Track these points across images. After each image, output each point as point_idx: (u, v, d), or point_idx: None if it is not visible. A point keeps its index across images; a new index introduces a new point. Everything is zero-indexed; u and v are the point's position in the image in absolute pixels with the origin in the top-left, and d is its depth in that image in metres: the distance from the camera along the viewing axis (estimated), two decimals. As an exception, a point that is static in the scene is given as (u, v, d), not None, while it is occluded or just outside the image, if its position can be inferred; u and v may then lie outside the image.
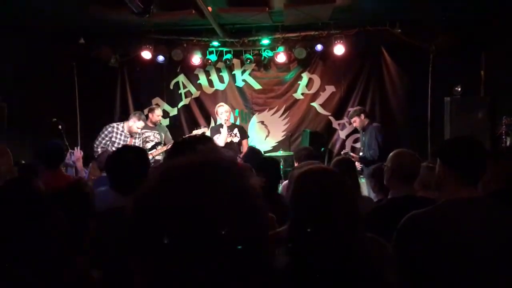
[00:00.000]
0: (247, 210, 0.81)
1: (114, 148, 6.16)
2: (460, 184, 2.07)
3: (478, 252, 1.93)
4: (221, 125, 6.60)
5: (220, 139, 6.44)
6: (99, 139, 6.21)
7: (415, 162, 2.91)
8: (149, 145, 6.63)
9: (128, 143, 6.31)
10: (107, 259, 2.07)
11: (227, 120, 6.54)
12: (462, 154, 2.11)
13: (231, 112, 6.88)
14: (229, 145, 6.48)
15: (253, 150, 5.01)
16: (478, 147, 2.14)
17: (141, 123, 6.29)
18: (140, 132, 6.40)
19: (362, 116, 6.41)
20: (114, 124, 6.33)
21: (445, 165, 2.14)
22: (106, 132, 6.22)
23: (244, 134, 6.74)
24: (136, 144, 6.40)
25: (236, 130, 6.66)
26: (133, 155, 2.46)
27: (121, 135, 6.27)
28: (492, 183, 2.61)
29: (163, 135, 6.93)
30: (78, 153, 4.99)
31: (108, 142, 6.18)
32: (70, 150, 5.17)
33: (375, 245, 1.61)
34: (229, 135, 6.50)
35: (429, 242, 1.97)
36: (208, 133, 6.73)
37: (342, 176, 1.56)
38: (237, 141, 6.60)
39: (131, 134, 6.32)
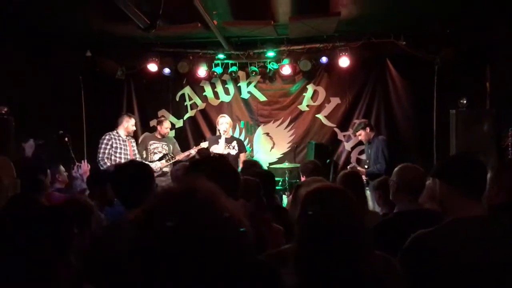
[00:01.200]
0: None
1: (118, 154, 6.23)
2: (464, 201, 2.06)
3: (486, 270, 1.91)
4: (219, 136, 6.62)
5: (218, 150, 6.47)
6: (101, 150, 6.25)
7: (420, 176, 2.91)
8: (156, 157, 6.66)
9: (127, 146, 6.38)
10: (105, 273, 2.08)
11: (225, 131, 6.57)
12: (462, 171, 2.11)
13: (232, 126, 6.91)
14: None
15: (249, 163, 4.96)
16: (476, 162, 2.14)
17: (133, 120, 6.45)
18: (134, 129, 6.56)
19: (368, 129, 6.44)
20: (109, 133, 6.39)
21: (445, 184, 2.14)
22: (105, 141, 6.28)
23: (242, 148, 6.75)
24: (133, 146, 6.52)
25: (234, 143, 6.68)
26: (137, 169, 2.48)
27: (119, 139, 6.36)
28: (497, 196, 2.60)
29: (171, 146, 6.96)
30: (85, 166, 5.00)
31: (110, 151, 6.24)
32: (77, 163, 5.19)
33: (383, 263, 1.61)
34: (226, 147, 6.52)
35: (436, 262, 1.95)
36: (204, 144, 6.78)
37: (348, 194, 1.56)
38: (234, 153, 6.60)
39: (128, 135, 6.40)
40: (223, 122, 6.64)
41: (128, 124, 6.40)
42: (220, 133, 6.68)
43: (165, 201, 0.96)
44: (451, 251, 1.97)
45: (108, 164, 6.14)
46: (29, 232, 1.89)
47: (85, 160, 5.36)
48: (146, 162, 5.76)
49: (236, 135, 7.76)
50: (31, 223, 1.98)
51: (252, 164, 4.77)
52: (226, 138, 6.61)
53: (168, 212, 0.92)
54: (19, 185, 2.79)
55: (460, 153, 2.52)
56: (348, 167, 7.27)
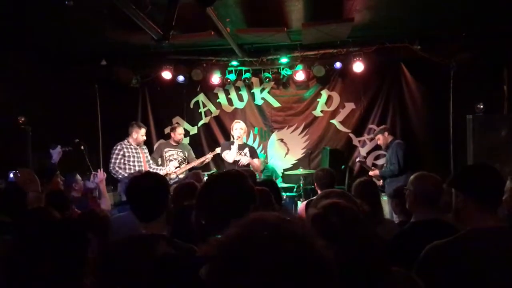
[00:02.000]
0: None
1: (131, 163, 6.25)
2: (479, 213, 2.05)
3: (502, 281, 1.89)
4: (232, 142, 6.61)
5: (229, 156, 6.44)
6: (112, 160, 6.25)
7: (437, 186, 2.86)
8: (173, 164, 6.68)
9: (140, 154, 6.40)
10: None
11: (239, 137, 6.55)
12: (479, 183, 2.09)
13: (246, 132, 6.86)
14: (237, 162, 6.46)
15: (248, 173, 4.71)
16: (493, 173, 2.12)
17: (143, 130, 6.44)
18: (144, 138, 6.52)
19: (386, 133, 6.57)
20: (120, 142, 6.39)
21: (463, 194, 2.12)
22: (116, 151, 6.28)
23: (254, 154, 6.68)
24: (146, 153, 6.54)
25: (246, 150, 6.64)
26: (152, 182, 2.48)
27: (131, 148, 6.36)
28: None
29: (186, 153, 6.98)
30: (101, 174, 5.02)
31: (123, 160, 6.26)
32: (93, 172, 5.22)
33: (403, 280, 1.59)
34: (238, 153, 6.50)
35: (451, 273, 1.94)
36: (219, 149, 6.80)
37: (357, 214, 1.53)
38: (245, 160, 6.55)
39: (139, 145, 6.42)
40: (238, 128, 6.61)
41: (138, 135, 6.38)
42: (233, 139, 6.67)
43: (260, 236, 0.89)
44: (467, 262, 1.95)
45: (122, 173, 6.17)
46: (38, 247, 1.90)
47: (101, 169, 5.39)
48: (161, 173, 5.80)
49: (250, 141, 7.75)
50: (40, 238, 1.99)
51: (251, 175, 4.62)
52: (238, 145, 6.58)
53: (265, 248, 0.86)
54: (43, 199, 2.83)
55: (477, 163, 2.49)
56: (357, 160, 7.26)
